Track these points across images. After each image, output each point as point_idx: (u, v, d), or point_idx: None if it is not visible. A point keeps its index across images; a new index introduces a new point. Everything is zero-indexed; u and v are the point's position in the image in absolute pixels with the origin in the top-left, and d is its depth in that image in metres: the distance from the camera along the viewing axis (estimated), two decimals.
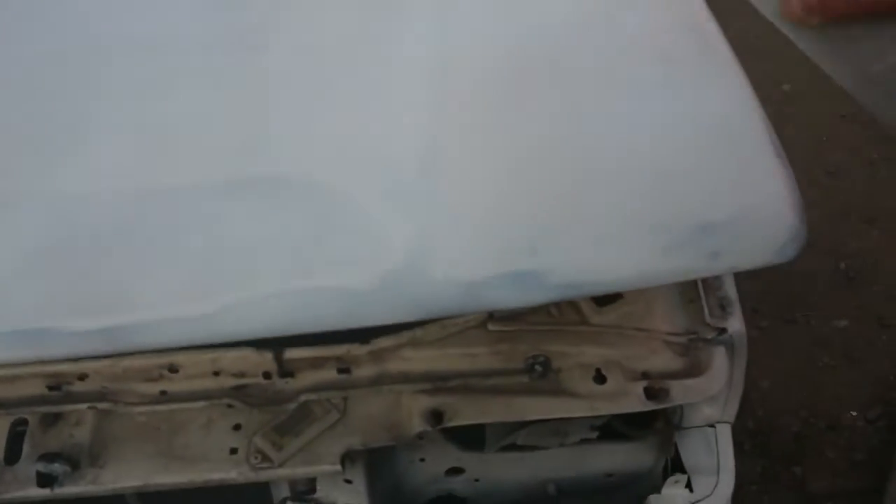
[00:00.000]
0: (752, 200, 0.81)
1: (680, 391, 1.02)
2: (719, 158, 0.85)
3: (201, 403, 1.04)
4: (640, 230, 0.78)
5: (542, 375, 1.04)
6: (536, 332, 1.05)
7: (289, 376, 1.05)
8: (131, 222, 0.80)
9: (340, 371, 1.05)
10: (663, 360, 1.07)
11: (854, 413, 2.13)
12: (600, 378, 1.04)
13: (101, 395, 1.04)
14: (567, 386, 1.04)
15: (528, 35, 0.99)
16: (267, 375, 1.05)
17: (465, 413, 1.01)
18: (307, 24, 0.98)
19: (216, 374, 1.04)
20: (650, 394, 1.02)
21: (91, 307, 0.74)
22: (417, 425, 1.01)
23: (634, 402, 1.01)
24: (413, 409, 1.02)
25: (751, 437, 2.12)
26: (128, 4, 1.02)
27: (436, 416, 1.01)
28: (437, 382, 1.04)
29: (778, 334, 2.32)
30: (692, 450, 1.16)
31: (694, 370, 1.05)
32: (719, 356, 1.06)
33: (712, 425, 1.16)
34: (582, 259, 0.77)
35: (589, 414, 1.02)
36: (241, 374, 1.04)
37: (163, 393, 1.05)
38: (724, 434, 1.17)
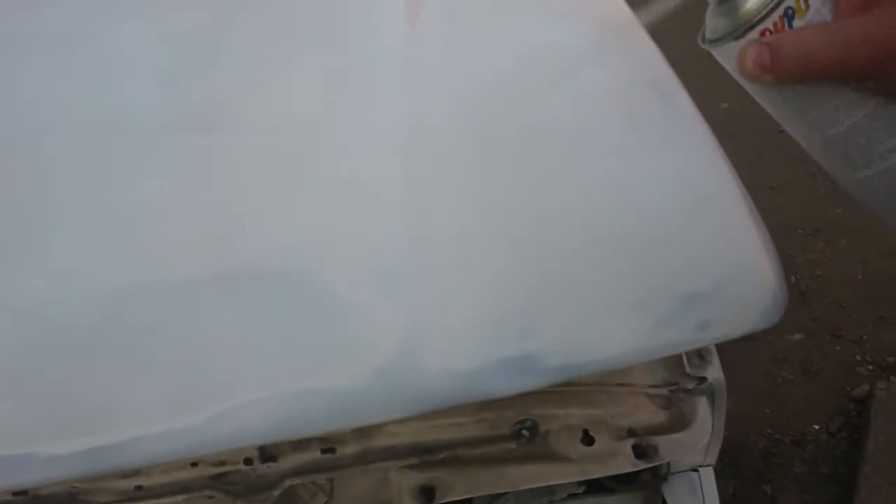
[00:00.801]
0: (734, 266, 0.81)
1: (668, 447, 1.03)
2: (698, 224, 0.85)
3: (180, 497, 1.00)
4: (629, 305, 0.78)
5: (530, 440, 1.03)
6: (522, 396, 1.04)
7: (271, 461, 1.01)
8: (102, 329, 0.75)
9: (325, 451, 1.02)
10: (648, 415, 1.07)
11: (817, 427, 2.18)
12: (588, 439, 1.03)
13: (72, 497, 0.99)
14: (556, 449, 1.03)
15: (496, 99, 0.97)
16: (248, 461, 1.01)
17: (457, 487, 0.99)
18: (271, 98, 0.95)
19: (194, 464, 1.00)
20: (639, 452, 1.02)
21: (69, 428, 0.70)
22: None
23: (624, 462, 1.01)
24: (403, 487, 1.00)
25: (720, 459, 2.15)
26: (75, 85, 0.97)
27: (426, 493, 0.99)
28: (424, 456, 1.02)
29: (737, 352, 2.37)
30: (678, 496, 1.16)
31: (679, 424, 1.06)
32: (702, 407, 1.07)
33: (696, 469, 1.17)
34: (576, 340, 0.75)
35: (580, 478, 1.01)
36: (221, 463, 1.00)
37: (138, 488, 1.00)
38: (708, 477, 1.18)
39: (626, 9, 1.15)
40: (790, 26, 0.44)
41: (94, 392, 0.71)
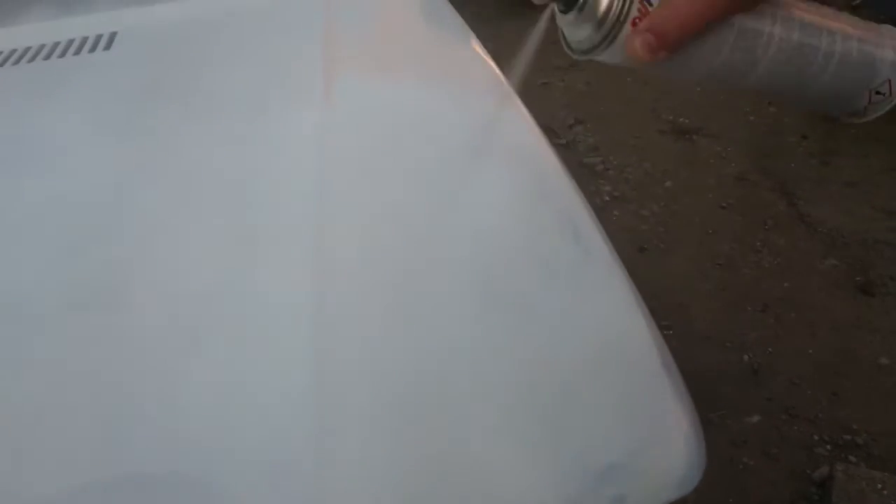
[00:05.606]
0: (650, 434, 0.78)
1: None
2: (612, 386, 0.82)
3: None
4: (534, 485, 0.74)
5: None
6: None
7: None
8: None
9: None
10: None
11: None
12: None
13: None
14: None
15: (400, 249, 0.94)
16: None
17: None
18: (172, 266, 0.91)
19: None
20: None
21: None
22: None
23: None
24: None
25: None
26: None
27: None
28: None
29: None
30: None
31: None
32: None
33: None
34: None
35: None
36: None
37: None
38: None
39: (543, 142, 1.14)
40: (650, 4, 0.52)
41: None
